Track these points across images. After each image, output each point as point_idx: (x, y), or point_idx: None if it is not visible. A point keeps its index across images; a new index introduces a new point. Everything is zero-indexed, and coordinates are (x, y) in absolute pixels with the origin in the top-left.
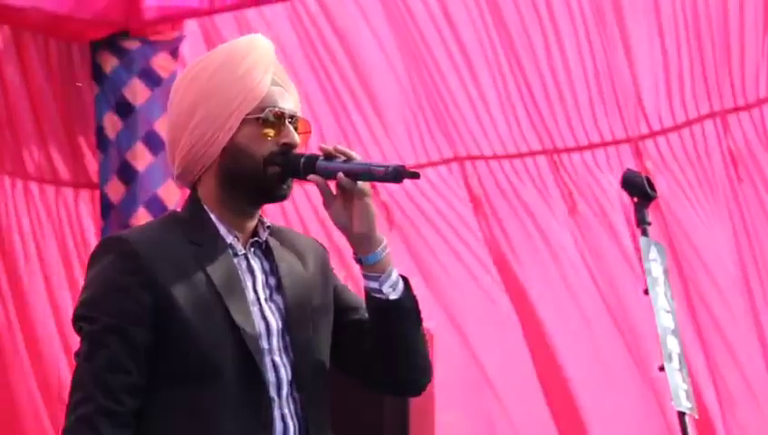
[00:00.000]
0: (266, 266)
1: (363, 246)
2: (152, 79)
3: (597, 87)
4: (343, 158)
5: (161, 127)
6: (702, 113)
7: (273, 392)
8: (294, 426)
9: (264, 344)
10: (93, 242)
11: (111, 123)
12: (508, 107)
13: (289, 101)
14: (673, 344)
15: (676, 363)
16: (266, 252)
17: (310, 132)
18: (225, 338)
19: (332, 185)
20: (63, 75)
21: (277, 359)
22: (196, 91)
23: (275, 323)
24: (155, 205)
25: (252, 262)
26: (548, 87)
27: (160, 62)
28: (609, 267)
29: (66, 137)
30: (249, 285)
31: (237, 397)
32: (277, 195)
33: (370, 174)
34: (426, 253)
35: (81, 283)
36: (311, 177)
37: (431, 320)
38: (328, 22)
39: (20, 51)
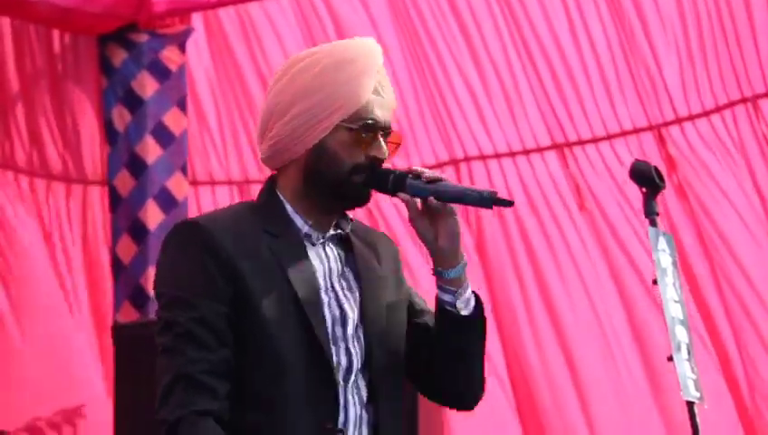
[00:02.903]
0: (343, 258)
1: (447, 260)
2: (161, 72)
3: (614, 72)
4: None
5: (170, 120)
6: (732, 99)
7: (340, 378)
8: (356, 413)
9: (338, 331)
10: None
11: (120, 116)
12: (515, 97)
13: (386, 111)
14: (681, 334)
15: (684, 353)
16: (346, 244)
17: (400, 144)
18: (298, 333)
19: (418, 201)
20: (69, 68)
21: (351, 346)
22: (299, 84)
23: (351, 312)
24: (164, 197)
25: (328, 252)
26: (557, 73)
27: (169, 55)
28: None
29: (62, 131)
30: (324, 273)
31: (306, 391)
32: (358, 202)
33: (463, 198)
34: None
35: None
36: (400, 195)
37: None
38: (330, 17)
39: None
